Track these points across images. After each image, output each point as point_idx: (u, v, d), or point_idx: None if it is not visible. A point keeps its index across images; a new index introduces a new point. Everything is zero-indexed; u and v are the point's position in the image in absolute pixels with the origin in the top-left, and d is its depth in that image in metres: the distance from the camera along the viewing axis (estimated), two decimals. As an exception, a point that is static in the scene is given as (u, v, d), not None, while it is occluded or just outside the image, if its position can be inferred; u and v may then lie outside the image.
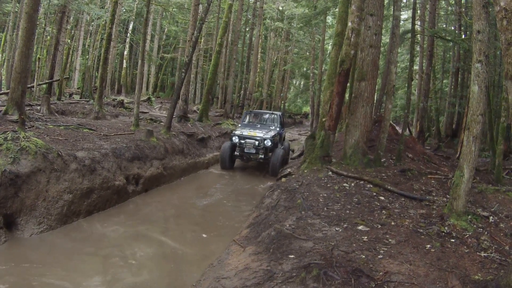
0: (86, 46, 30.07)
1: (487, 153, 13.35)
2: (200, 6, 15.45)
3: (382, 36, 12.60)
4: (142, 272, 4.85)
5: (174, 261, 5.30)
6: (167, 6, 25.95)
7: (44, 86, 16.81)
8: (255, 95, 26.53)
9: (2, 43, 22.68)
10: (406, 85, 18.18)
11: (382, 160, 8.68)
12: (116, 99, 19.35)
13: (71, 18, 23.21)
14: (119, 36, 28.98)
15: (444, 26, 22.86)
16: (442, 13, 21.88)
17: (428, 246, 4.21)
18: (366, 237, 4.43)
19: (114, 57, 27.96)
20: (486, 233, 4.63)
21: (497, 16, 3.49)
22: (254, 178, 11.03)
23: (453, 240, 4.40)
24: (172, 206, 7.90)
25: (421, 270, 3.63)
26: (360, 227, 4.77)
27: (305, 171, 8.15)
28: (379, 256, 3.89)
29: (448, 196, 5.80)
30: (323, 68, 24.45)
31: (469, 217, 4.94)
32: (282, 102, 34.68)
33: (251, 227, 5.58)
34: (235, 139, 11.18)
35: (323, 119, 9.11)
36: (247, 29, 29.03)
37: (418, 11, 15.59)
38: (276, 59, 33.29)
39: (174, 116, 11.81)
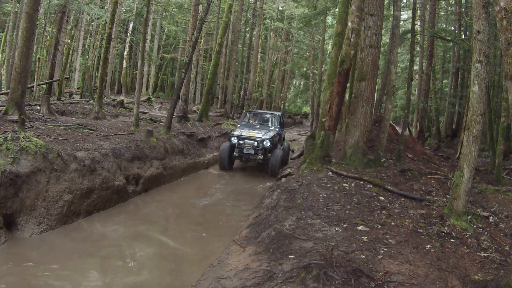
0: (86, 46, 30.07)
1: (487, 153, 13.35)
2: (200, 6, 15.45)
3: (382, 36, 12.60)
4: (142, 272, 4.85)
5: (174, 261, 5.30)
6: (167, 6, 25.96)
7: (44, 86, 16.81)
8: (255, 95, 26.53)
9: (2, 43, 22.68)
10: (406, 85, 18.17)
11: (382, 160, 8.68)
12: (116, 99, 19.36)
13: (71, 18, 23.21)
14: (119, 36, 28.98)
15: (444, 26, 22.88)
16: (442, 13, 21.89)
17: (428, 246, 4.21)
18: (366, 237, 4.43)
19: (114, 57, 27.96)
20: (486, 233, 4.63)
21: (497, 16, 3.49)
22: (254, 178, 11.02)
23: (453, 240, 4.40)
24: (172, 206, 7.90)
25: (421, 270, 3.63)
26: (360, 227, 4.77)
27: (305, 171, 8.15)
28: (379, 256, 3.89)
29: (448, 196, 5.80)
30: (323, 68, 24.45)
31: (469, 217, 4.94)
32: (282, 102, 34.69)
33: (251, 227, 5.58)
34: (234, 140, 11.08)
35: (323, 119, 9.11)
36: (247, 29, 29.03)
37: (418, 11, 15.59)
38: (276, 59, 33.30)
39: (174, 116, 11.80)
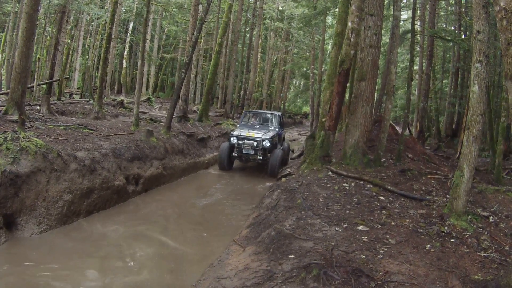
0: (86, 46, 30.06)
1: (487, 153, 13.35)
2: (200, 6, 15.45)
3: (382, 36, 12.60)
4: (142, 272, 4.85)
5: (174, 261, 5.30)
6: (167, 6, 25.96)
7: (44, 86, 16.81)
8: (255, 95, 26.53)
9: (2, 43, 22.68)
10: (406, 85, 18.17)
11: (382, 160, 8.68)
12: (116, 99, 19.36)
13: (71, 18, 23.20)
14: (119, 36, 28.98)
15: (444, 26, 22.88)
16: (442, 13, 21.90)
17: (428, 246, 4.21)
18: (366, 237, 4.43)
19: (114, 57, 27.96)
20: (486, 233, 4.63)
21: (497, 16, 3.49)
22: (254, 178, 11.02)
23: (453, 240, 4.40)
24: (172, 206, 7.90)
25: (421, 270, 3.63)
26: (360, 227, 4.77)
27: (305, 171, 8.15)
28: (379, 256, 3.89)
29: (448, 196, 5.80)
30: (323, 68, 24.45)
31: (469, 217, 4.94)
32: (282, 102, 34.69)
33: (251, 227, 5.58)
34: (233, 140, 11.01)
35: (323, 119, 9.11)
36: (247, 29, 29.04)
37: (418, 11, 15.60)
38: (276, 59, 33.30)
39: (174, 116, 11.79)
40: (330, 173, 7.54)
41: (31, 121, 8.41)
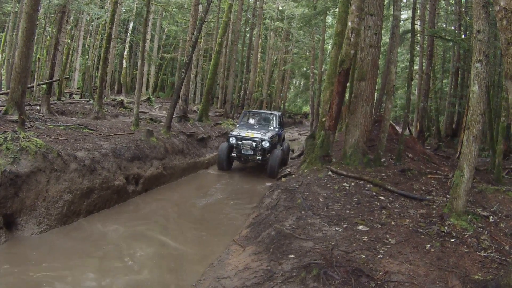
0: (86, 46, 30.06)
1: (487, 153, 13.36)
2: (200, 6, 15.45)
3: (382, 36, 12.60)
4: (142, 272, 4.86)
5: (174, 261, 5.30)
6: (167, 6, 25.96)
7: (44, 86, 16.81)
8: (255, 95, 26.52)
9: (2, 43, 22.68)
10: (406, 85, 18.18)
11: (382, 160, 8.68)
12: (116, 99, 19.36)
13: (71, 18, 23.20)
14: (119, 36, 28.98)
15: (444, 26, 22.87)
16: (442, 13, 21.89)
17: (428, 245, 4.21)
18: (366, 237, 4.43)
19: (114, 57, 27.97)
20: (486, 232, 4.63)
21: (497, 16, 3.49)
22: (254, 178, 11.01)
23: (453, 240, 4.40)
24: (172, 206, 7.90)
25: (421, 269, 3.63)
26: (360, 227, 4.77)
27: (305, 171, 8.15)
28: (379, 256, 3.89)
29: (448, 195, 5.81)
30: (323, 68, 24.45)
31: (469, 216, 4.94)
32: (282, 102, 34.68)
33: (251, 227, 5.58)
34: (232, 140, 10.90)
35: (323, 119, 9.11)
36: (247, 29, 29.03)
37: (418, 11, 15.59)
38: (276, 59, 33.30)
39: (174, 116, 11.78)
40: (330, 173, 7.54)
41: (31, 121, 8.41)
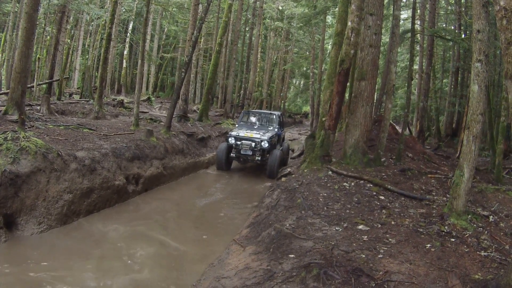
0: (86, 46, 30.07)
1: (487, 153, 13.36)
2: (200, 5, 15.45)
3: (382, 36, 12.61)
4: (143, 271, 4.86)
5: (175, 261, 5.30)
6: (167, 6, 25.94)
7: (44, 86, 16.82)
8: (255, 95, 26.52)
9: (2, 43, 22.68)
10: (406, 84, 18.20)
11: (382, 160, 8.69)
12: (116, 99, 19.36)
13: (71, 18, 23.19)
14: (119, 36, 28.97)
15: (444, 25, 22.88)
16: (442, 12, 21.89)
17: (428, 245, 4.21)
18: (366, 237, 4.43)
19: (114, 57, 27.95)
20: (486, 232, 4.63)
21: (496, 16, 3.49)
22: (254, 177, 11.01)
23: (453, 240, 4.40)
24: (172, 205, 7.90)
25: (421, 269, 3.63)
26: (360, 227, 4.78)
27: (305, 170, 8.15)
28: (379, 256, 3.89)
29: (448, 195, 5.81)
30: (323, 67, 24.46)
31: (469, 216, 4.94)
32: (282, 101, 34.67)
33: (251, 226, 5.58)
34: (231, 140, 10.78)
35: (323, 119, 9.12)
36: (247, 29, 29.04)
37: (418, 11, 15.59)
38: (276, 59, 33.30)
39: (174, 115, 11.77)
40: (330, 172, 7.54)
41: (31, 121, 8.41)
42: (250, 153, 10.66)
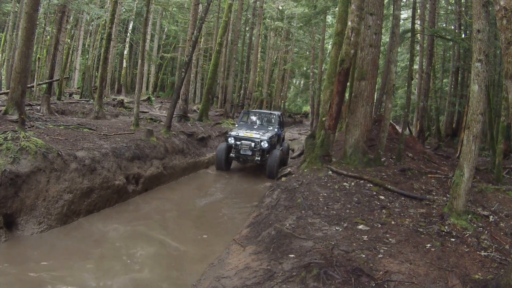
0: (86, 46, 30.07)
1: (487, 152, 13.35)
2: (200, 5, 15.45)
3: (382, 36, 12.60)
4: (143, 271, 4.86)
5: (175, 260, 5.30)
6: (167, 6, 25.94)
7: (44, 86, 16.80)
8: (255, 95, 26.52)
9: (2, 43, 22.68)
10: (406, 84, 18.20)
11: (382, 160, 8.69)
12: (116, 98, 19.36)
13: (71, 17, 23.19)
14: (119, 36, 28.97)
15: (444, 25, 22.88)
16: (442, 12, 21.89)
17: (428, 245, 4.21)
18: (366, 237, 4.43)
19: (114, 57, 27.94)
20: (486, 232, 4.63)
21: (497, 15, 3.49)
22: (254, 177, 11.01)
23: (453, 240, 4.40)
24: (172, 205, 7.90)
25: (421, 269, 3.63)
26: (360, 227, 4.78)
27: (305, 170, 8.15)
28: (379, 256, 3.89)
29: (448, 195, 5.81)
30: (323, 67, 24.46)
31: (469, 216, 4.94)
32: (282, 101, 34.67)
33: (251, 226, 5.58)
34: (231, 140, 10.73)
35: (323, 119, 9.12)
36: (247, 29, 29.03)
37: (418, 11, 15.59)
38: (276, 59, 33.29)
39: (174, 115, 11.76)
40: (330, 172, 7.54)
41: (31, 120, 8.41)
42: (249, 153, 10.61)
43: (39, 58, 17.40)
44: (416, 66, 21.93)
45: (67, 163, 6.27)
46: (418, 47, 19.22)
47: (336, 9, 16.77)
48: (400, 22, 13.86)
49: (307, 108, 42.33)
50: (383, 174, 7.60)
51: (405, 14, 24.07)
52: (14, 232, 5.29)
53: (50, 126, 8.24)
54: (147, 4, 11.84)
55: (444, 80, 24.16)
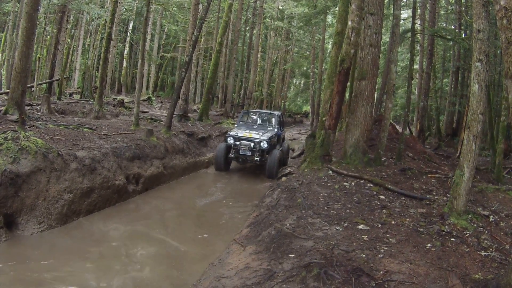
0: (86, 46, 30.06)
1: (488, 152, 13.35)
2: (200, 5, 15.45)
3: (382, 35, 12.58)
4: (143, 271, 4.86)
5: (175, 260, 5.31)
6: (167, 6, 25.91)
7: (44, 85, 16.80)
8: (255, 94, 26.50)
9: (2, 43, 22.67)
10: (406, 84, 18.19)
11: (382, 159, 8.68)
12: (116, 98, 19.35)
13: (71, 17, 23.19)
14: (119, 36, 28.97)
15: (444, 25, 22.87)
16: (442, 12, 21.88)
17: (429, 245, 4.21)
18: (366, 236, 4.43)
19: (114, 57, 27.95)
20: (486, 232, 4.63)
21: (497, 15, 3.49)
22: (254, 177, 11.00)
23: (453, 239, 4.40)
24: (173, 205, 7.91)
25: (422, 269, 3.63)
26: (360, 226, 4.78)
27: (305, 170, 8.15)
28: (379, 255, 3.89)
29: (448, 195, 5.80)
30: (323, 67, 24.44)
31: (470, 216, 4.94)
32: (282, 101, 34.66)
33: (252, 226, 5.58)
34: (230, 140, 10.65)
35: (323, 118, 9.11)
36: (247, 28, 29.03)
37: (418, 10, 15.57)
38: (276, 58, 33.28)
39: (174, 115, 11.75)
40: (330, 172, 7.54)
41: (31, 120, 8.41)
42: (249, 153, 10.53)
43: (39, 58, 17.41)
44: (416, 66, 21.91)
45: (67, 163, 6.27)
46: (418, 47, 19.22)
47: (336, 8, 16.76)
48: (400, 22, 13.85)
49: (307, 108, 42.31)
50: (383, 174, 7.60)
51: (405, 13, 24.06)
52: (14, 232, 5.30)
53: (50, 126, 8.24)
54: (147, 4, 11.84)
55: (444, 80, 24.14)
